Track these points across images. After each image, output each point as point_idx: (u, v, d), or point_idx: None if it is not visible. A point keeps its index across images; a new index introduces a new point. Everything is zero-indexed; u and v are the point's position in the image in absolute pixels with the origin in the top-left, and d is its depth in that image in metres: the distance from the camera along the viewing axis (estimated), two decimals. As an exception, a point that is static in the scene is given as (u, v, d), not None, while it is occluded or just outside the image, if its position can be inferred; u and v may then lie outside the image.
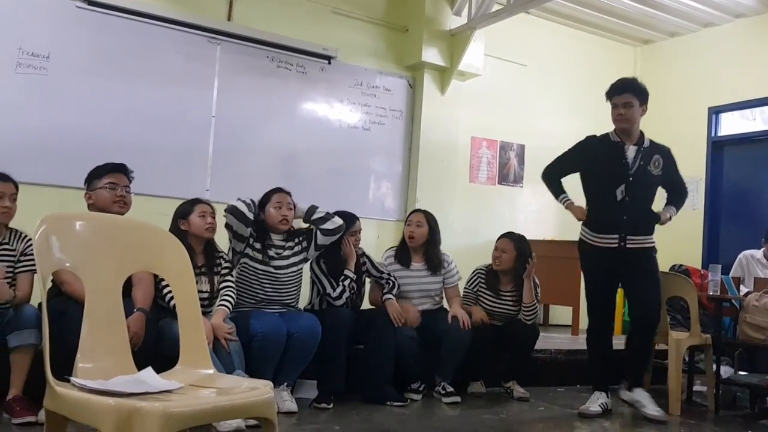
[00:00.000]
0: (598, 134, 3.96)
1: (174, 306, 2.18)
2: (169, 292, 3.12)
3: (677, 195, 4.01)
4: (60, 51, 4.68)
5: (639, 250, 3.78)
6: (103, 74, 4.82)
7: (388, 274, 4.02)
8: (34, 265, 2.95)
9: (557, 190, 4.00)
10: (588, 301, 3.95)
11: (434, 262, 4.13)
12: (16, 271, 3.03)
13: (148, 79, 4.98)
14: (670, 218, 3.84)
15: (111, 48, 4.87)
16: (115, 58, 4.87)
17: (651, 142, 3.88)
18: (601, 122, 6.96)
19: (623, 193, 3.75)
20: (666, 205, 3.93)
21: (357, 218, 3.96)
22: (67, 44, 4.72)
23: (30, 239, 3.04)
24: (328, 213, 3.73)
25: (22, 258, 3.04)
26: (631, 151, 3.80)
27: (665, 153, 3.90)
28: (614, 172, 3.80)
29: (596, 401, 3.82)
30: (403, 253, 4.18)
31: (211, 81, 5.24)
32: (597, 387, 3.88)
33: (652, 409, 3.72)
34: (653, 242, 3.83)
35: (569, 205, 3.92)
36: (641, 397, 3.81)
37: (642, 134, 3.86)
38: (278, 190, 3.70)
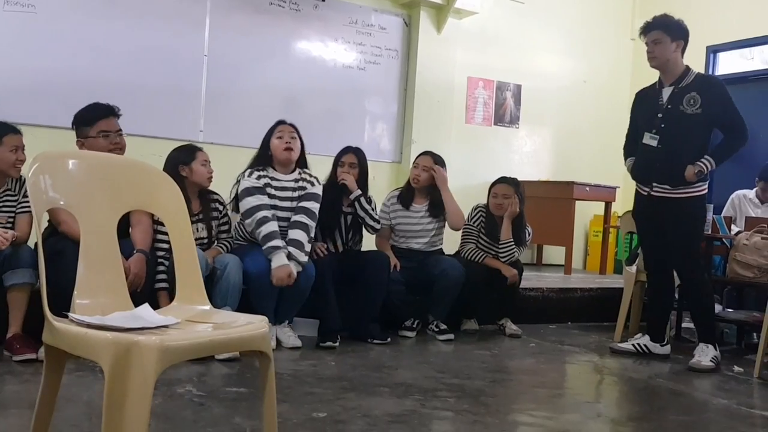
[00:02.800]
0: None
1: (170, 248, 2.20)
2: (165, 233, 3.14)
3: (726, 138, 3.66)
4: (47, -12, 4.57)
5: (670, 199, 3.63)
6: (91, 12, 4.72)
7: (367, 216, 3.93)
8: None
9: (627, 157, 3.93)
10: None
11: (437, 204, 4.12)
12: (17, 212, 3.05)
13: (138, 17, 4.88)
14: (696, 173, 3.54)
15: (99, -15, 4.75)
16: (104, -4, 4.77)
17: (696, 77, 3.63)
18: (597, 63, 7.00)
19: (655, 138, 3.63)
20: (707, 154, 3.59)
21: (349, 150, 3.96)
22: (54, -19, 4.61)
23: None
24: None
25: (21, 200, 3.06)
26: (666, 92, 3.66)
27: (707, 88, 3.60)
28: (646, 118, 3.71)
29: (633, 340, 3.89)
30: (406, 194, 4.18)
31: (203, 19, 5.14)
32: (653, 337, 3.86)
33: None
34: (691, 191, 3.60)
35: (628, 166, 3.89)
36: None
37: (685, 72, 3.64)
38: (281, 122, 3.67)
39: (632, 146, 3.87)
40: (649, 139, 3.67)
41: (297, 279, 3.37)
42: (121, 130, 3.21)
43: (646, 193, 3.74)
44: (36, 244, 2.84)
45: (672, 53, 3.60)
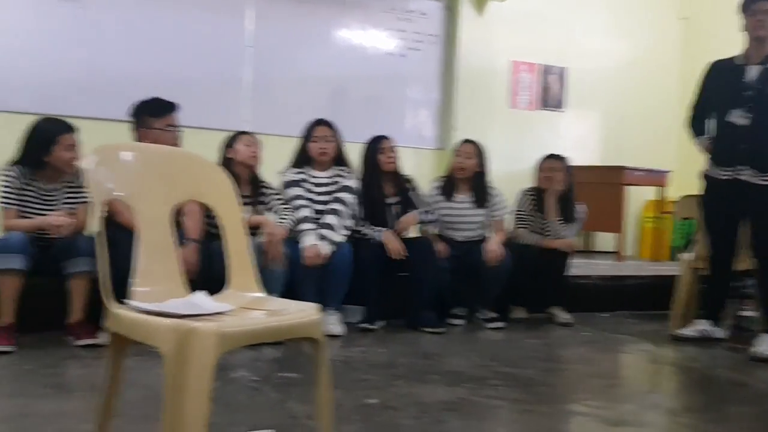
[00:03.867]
0: (716, 59, 3.66)
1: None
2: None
3: None
4: (95, -17, 4.66)
5: (755, 186, 3.47)
6: (139, 5, 4.79)
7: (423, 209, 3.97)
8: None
9: (698, 134, 3.74)
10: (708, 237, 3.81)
11: (481, 194, 4.07)
12: (77, 202, 3.15)
13: (183, 9, 4.93)
14: None
15: (145, -22, 4.82)
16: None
17: None
18: (645, 43, 6.82)
19: (743, 118, 3.45)
20: None
21: (384, 137, 3.94)
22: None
23: None
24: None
25: (80, 191, 3.15)
26: (753, 71, 3.47)
27: None
28: (729, 94, 3.52)
29: (694, 326, 3.79)
30: (448, 184, 4.13)
31: (245, 9, 5.17)
32: (704, 314, 3.81)
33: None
34: None
35: (702, 143, 3.71)
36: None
37: None
38: (318, 122, 3.70)
39: (701, 122, 3.70)
40: (738, 118, 3.46)
41: (332, 261, 3.43)
42: (180, 127, 3.31)
43: (726, 177, 3.54)
44: (93, 234, 2.96)
45: None
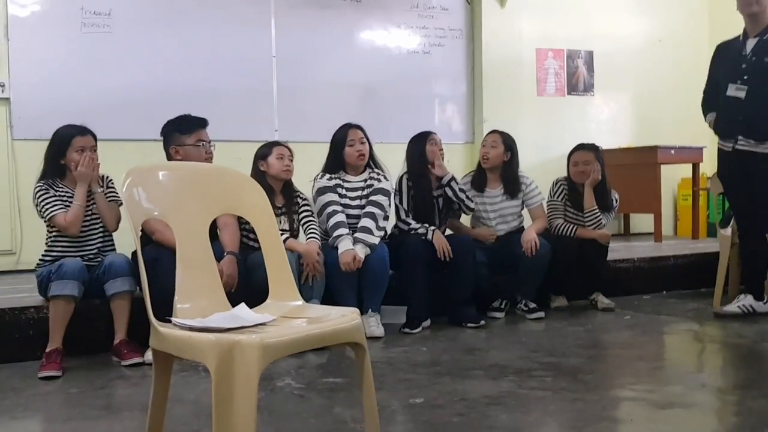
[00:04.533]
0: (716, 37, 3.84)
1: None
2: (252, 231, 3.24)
3: None
4: (120, 6, 4.76)
5: (756, 155, 3.55)
6: (162, 25, 4.88)
7: (465, 198, 3.92)
8: (117, 195, 3.20)
9: (707, 113, 3.86)
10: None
11: (512, 184, 4.03)
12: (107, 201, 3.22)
13: (207, 26, 5.01)
14: None
15: (167, -2, 4.91)
16: (173, 8, 4.92)
17: None
18: (671, 20, 6.70)
19: (742, 89, 3.54)
20: None
21: (431, 132, 3.94)
22: (125, -1, 4.79)
23: (110, 177, 3.27)
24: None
25: (107, 192, 3.24)
26: (750, 43, 3.57)
27: None
28: (729, 70, 3.62)
29: (737, 302, 3.80)
30: (479, 177, 4.11)
31: (268, 20, 5.23)
32: (746, 289, 3.86)
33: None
34: None
35: (709, 120, 3.83)
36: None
37: None
38: (349, 126, 3.73)
39: (712, 101, 3.79)
40: (735, 91, 3.57)
41: (368, 263, 3.45)
42: (211, 141, 3.36)
43: (730, 148, 3.63)
44: (133, 253, 3.04)
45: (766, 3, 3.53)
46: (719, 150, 3.77)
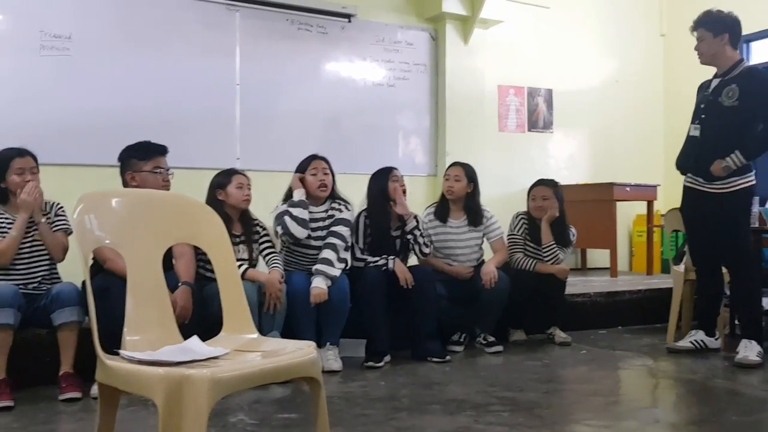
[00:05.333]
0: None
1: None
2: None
3: (763, 131, 3.52)
4: (81, 30, 4.69)
5: (710, 194, 3.63)
6: (125, 50, 4.83)
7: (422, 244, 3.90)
8: (67, 223, 3.11)
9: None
10: None
11: (475, 215, 4.05)
12: (53, 230, 3.12)
13: (170, 52, 4.97)
14: (723, 168, 3.51)
15: (130, 23, 4.86)
16: (136, 33, 4.87)
17: (743, 70, 3.61)
18: (628, 62, 6.90)
19: (695, 129, 3.67)
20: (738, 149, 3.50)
21: (393, 168, 3.90)
22: (87, 23, 4.72)
23: (60, 204, 3.18)
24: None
25: (55, 219, 3.14)
26: (713, 83, 3.68)
27: (748, 80, 3.54)
28: (695, 109, 3.75)
29: (689, 337, 3.86)
30: (442, 208, 4.11)
31: (233, 49, 5.22)
32: (698, 325, 3.90)
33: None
34: (729, 186, 3.56)
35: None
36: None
37: (736, 65, 3.62)
38: (314, 157, 3.72)
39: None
40: (693, 130, 3.69)
41: (329, 294, 3.41)
42: (170, 169, 3.29)
43: (689, 186, 3.74)
44: (83, 283, 2.94)
45: (717, 47, 3.61)
46: (684, 185, 3.85)
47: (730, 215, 3.60)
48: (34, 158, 3.11)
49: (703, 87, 3.80)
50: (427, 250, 3.89)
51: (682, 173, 3.81)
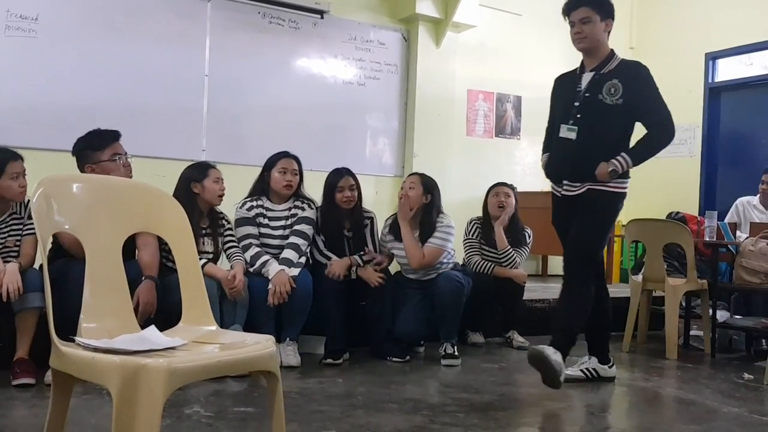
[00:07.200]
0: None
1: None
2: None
3: (649, 133, 3.15)
4: (48, 12, 4.61)
5: (578, 197, 3.16)
6: (93, 35, 4.76)
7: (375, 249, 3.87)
8: None
9: (544, 152, 3.42)
10: None
11: (428, 230, 3.80)
12: (23, 234, 3.05)
13: (139, 40, 4.91)
14: (609, 172, 3.05)
15: (100, 8, 4.79)
16: (105, 19, 4.81)
17: (620, 64, 3.16)
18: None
19: (573, 130, 3.14)
20: (625, 151, 3.11)
21: (345, 173, 3.77)
22: (55, 5, 4.64)
23: None
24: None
25: (27, 222, 3.06)
26: (585, 79, 3.18)
27: (631, 76, 3.11)
28: (563, 108, 3.22)
29: (580, 365, 3.47)
30: (396, 225, 3.87)
31: (203, 40, 5.18)
32: (600, 359, 3.46)
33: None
34: (604, 186, 3.11)
35: (542, 161, 3.41)
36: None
37: (610, 57, 3.17)
38: (285, 154, 3.68)
39: (549, 141, 3.39)
40: (567, 132, 3.16)
41: (292, 292, 3.39)
42: (127, 153, 3.22)
43: (559, 194, 3.26)
44: (40, 266, 2.89)
45: (601, 34, 3.15)
46: (552, 193, 3.36)
47: (592, 212, 3.14)
48: (23, 159, 3.06)
49: (567, 82, 3.31)
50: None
51: (556, 181, 3.29)
